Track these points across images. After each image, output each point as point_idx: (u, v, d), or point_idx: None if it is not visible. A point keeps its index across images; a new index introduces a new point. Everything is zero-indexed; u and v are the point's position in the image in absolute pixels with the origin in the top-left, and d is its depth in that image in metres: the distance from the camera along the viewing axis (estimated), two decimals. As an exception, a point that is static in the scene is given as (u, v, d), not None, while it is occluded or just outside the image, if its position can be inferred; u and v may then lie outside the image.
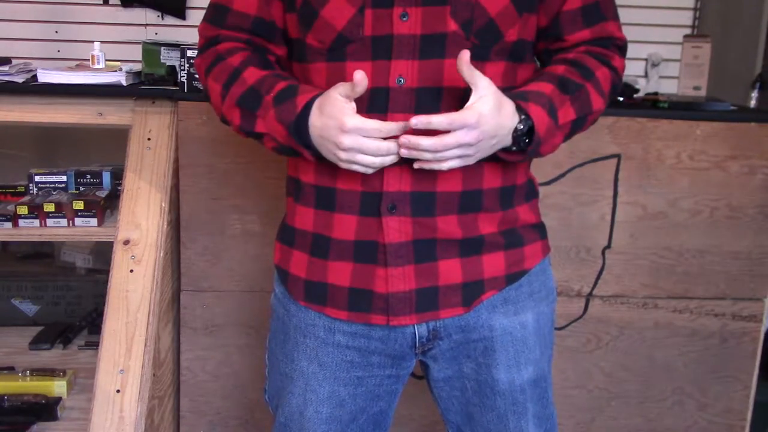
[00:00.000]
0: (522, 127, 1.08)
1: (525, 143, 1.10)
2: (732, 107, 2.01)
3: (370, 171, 1.08)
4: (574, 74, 1.16)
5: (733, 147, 1.94)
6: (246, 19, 1.20)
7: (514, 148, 1.10)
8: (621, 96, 2.00)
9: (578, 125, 1.17)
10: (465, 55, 1.02)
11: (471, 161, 1.08)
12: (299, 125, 1.09)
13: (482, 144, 1.05)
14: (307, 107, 1.09)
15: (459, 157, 1.06)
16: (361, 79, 1.03)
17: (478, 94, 1.03)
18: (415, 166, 1.08)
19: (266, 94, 1.13)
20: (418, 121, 1.02)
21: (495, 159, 1.14)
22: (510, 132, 1.08)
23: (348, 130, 1.04)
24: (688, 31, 3.09)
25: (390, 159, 1.07)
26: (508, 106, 1.07)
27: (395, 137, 1.05)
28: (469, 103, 1.03)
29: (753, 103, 2.37)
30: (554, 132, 1.12)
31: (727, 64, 2.83)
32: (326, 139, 1.07)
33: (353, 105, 1.06)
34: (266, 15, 1.20)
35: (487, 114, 1.03)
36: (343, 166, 1.08)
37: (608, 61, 1.19)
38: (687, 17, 3.11)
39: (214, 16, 1.23)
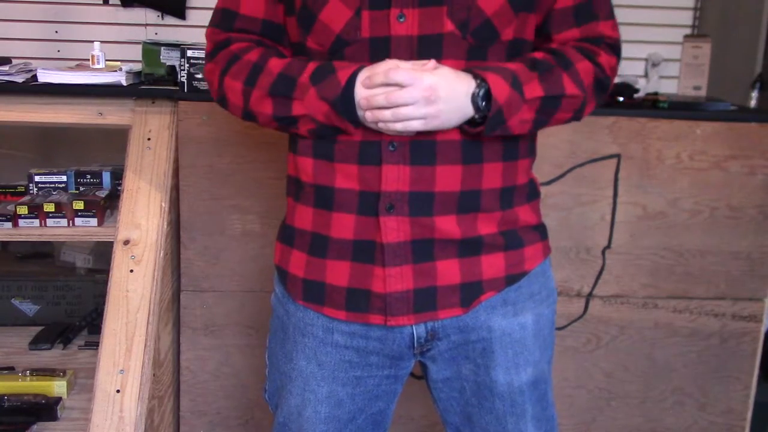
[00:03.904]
0: (478, 90, 1.08)
1: (485, 108, 1.09)
2: (732, 107, 2.01)
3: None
4: (549, 59, 1.15)
5: (733, 147, 1.94)
6: (255, 23, 1.20)
7: (477, 117, 1.09)
8: (621, 96, 2.00)
9: (551, 105, 1.14)
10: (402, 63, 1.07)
11: (435, 122, 1.07)
12: (345, 98, 1.09)
13: (440, 104, 1.06)
14: (351, 80, 1.08)
15: (421, 118, 1.06)
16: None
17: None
18: (381, 128, 1.09)
19: (299, 76, 1.12)
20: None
21: (494, 159, 1.14)
22: (468, 96, 1.08)
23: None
24: (688, 31, 3.09)
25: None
26: (463, 74, 1.09)
27: None
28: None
29: (753, 103, 2.37)
30: (520, 105, 1.10)
31: (727, 64, 2.83)
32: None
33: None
34: (274, 17, 1.20)
35: (442, 69, 1.07)
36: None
37: (592, 56, 1.17)
38: (687, 17, 3.10)
39: (222, 20, 1.22)
